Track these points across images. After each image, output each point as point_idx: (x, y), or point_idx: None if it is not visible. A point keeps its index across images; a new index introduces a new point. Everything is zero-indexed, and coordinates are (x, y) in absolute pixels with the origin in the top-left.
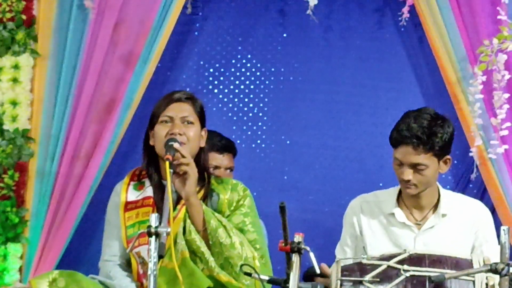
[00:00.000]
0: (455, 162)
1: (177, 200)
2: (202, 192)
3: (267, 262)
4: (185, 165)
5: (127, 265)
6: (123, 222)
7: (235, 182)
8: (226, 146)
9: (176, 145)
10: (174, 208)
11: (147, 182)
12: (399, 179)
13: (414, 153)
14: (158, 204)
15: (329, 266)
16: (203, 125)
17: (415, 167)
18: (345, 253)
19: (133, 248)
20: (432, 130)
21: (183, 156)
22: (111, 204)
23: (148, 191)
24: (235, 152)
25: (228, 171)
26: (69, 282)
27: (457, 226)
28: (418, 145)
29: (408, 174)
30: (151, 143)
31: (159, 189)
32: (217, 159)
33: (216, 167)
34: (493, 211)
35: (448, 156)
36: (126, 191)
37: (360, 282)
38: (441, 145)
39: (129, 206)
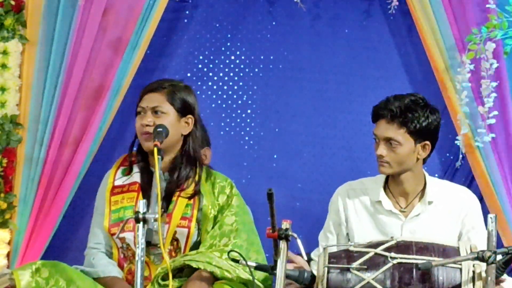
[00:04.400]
0: (443, 151)
1: (171, 191)
2: (193, 187)
3: (261, 255)
4: None
5: (112, 253)
6: (108, 205)
7: (222, 184)
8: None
9: None
10: (170, 201)
11: (135, 168)
12: (376, 157)
13: (387, 126)
14: (144, 188)
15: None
16: (184, 113)
17: (388, 142)
18: (327, 240)
19: (121, 233)
20: (409, 107)
21: None
22: (100, 192)
23: (135, 176)
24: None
25: None
26: (53, 272)
27: (444, 213)
28: (392, 118)
29: (381, 149)
30: None
31: (147, 174)
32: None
33: None
34: (480, 199)
35: (427, 142)
36: (114, 176)
37: (348, 269)
38: (418, 126)
39: (115, 190)
